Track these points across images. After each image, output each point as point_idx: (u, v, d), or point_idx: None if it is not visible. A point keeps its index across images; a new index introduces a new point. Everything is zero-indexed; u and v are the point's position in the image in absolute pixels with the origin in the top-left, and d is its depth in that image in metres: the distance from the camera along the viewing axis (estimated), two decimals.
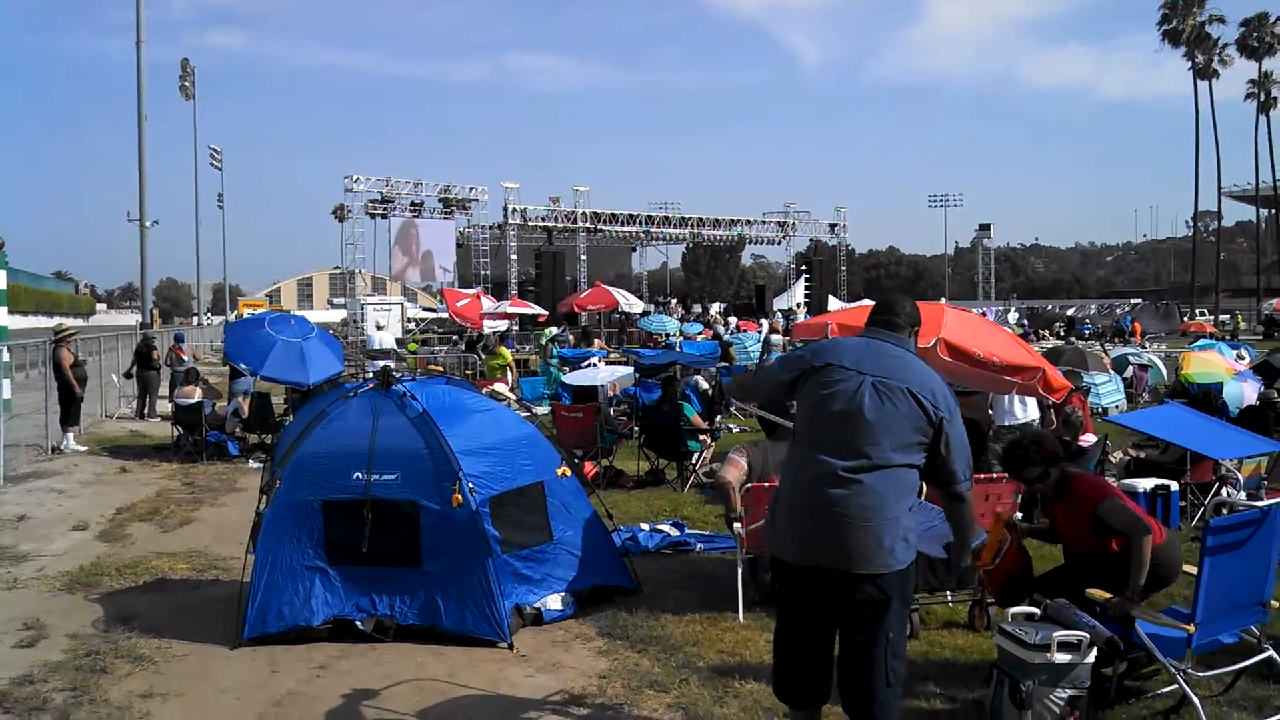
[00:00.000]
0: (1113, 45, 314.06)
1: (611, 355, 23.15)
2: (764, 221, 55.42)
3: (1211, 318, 59.05)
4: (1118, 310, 63.15)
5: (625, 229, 50.87)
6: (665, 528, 9.62)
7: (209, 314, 69.69)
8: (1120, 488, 6.89)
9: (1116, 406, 19.38)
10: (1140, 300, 75.52)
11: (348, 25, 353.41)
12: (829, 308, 39.77)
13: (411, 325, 43.03)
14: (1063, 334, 41.68)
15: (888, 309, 4.68)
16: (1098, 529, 5.63)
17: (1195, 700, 5.19)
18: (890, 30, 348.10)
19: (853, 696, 4.29)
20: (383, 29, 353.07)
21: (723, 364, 20.84)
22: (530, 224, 46.72)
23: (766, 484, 7.16)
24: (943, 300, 24.99)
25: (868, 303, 12.24)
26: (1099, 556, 5.67)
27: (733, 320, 39.57)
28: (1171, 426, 8.04)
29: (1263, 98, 72.47)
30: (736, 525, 7.26)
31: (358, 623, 6.73)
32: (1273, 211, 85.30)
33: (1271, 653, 5.52)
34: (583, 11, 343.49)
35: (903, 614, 4.32)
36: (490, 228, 46.62)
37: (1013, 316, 56.18)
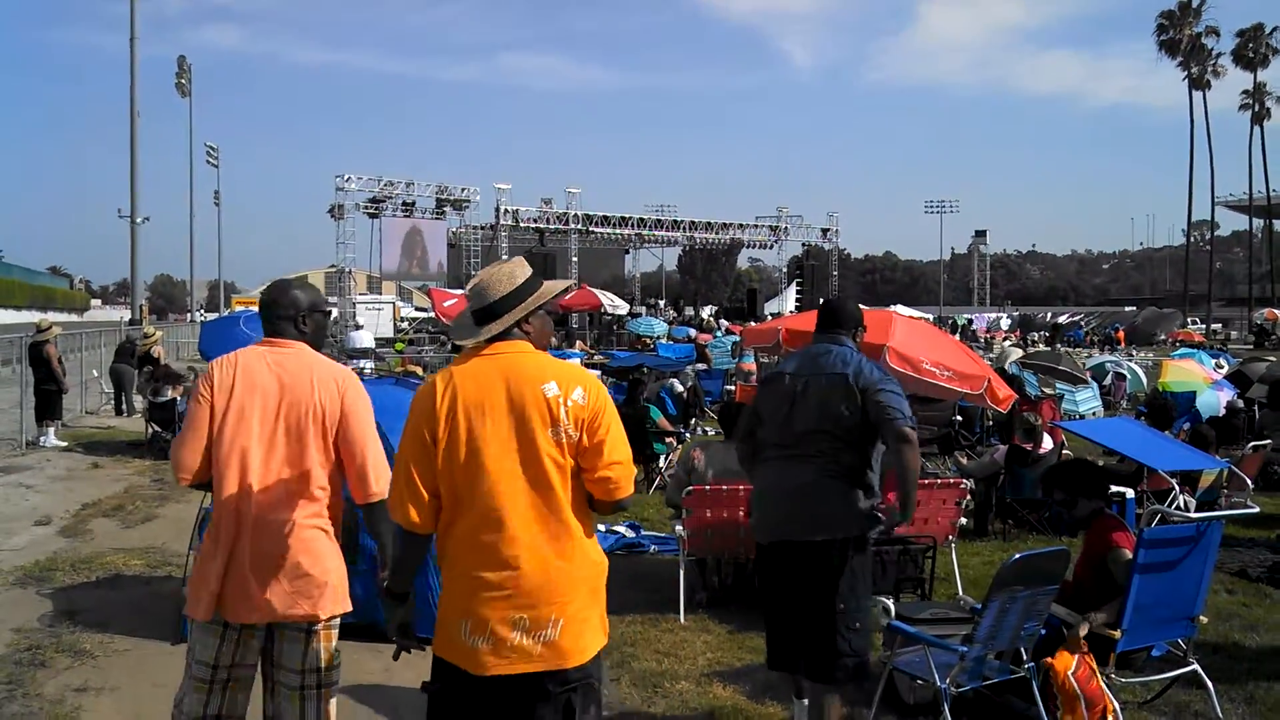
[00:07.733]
0: (1107, 53, 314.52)
1: (595, 358, 23.20)
2: (756, 225, 55.56)
3: (1202, 327, 59.06)
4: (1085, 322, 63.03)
5: (618, 231, 50.93)
6: (620, 529, 9.67)
7: (202, 310, 69.70)
8: None
9: (1094, 413, 19.43)
10: (1134, 308, 75.56)
11: (341, 24, 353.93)
12: None
13: (404, 324, 43.11)
14: (1048, 340, 41.82)
15: (830, 314, 5.01)
16: (1102, 572, 5.61)
17: (1116, 705, 5.27)
18: (883, 37, 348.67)
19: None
20: (376, 28, 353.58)
21: (700, 366, 20.91)
22: (523, 225, 46.79)
23: (708, 487, 7.22)
24: (894, 308, 25.15)
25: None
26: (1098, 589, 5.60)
27: (724, 323, 39.62)
28: (1115, 436, 8.11)
29: (1257, 108, 72.66)
30: (678, 527, 7.33)
31: None
32: (1266, 221, 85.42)
33: (1196, 667, 5.58)
34: (577, 12, 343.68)
35: (856, 578, 4.59)
36: (482, 228, 46.69)
37: (1005, 323, 56.26)
